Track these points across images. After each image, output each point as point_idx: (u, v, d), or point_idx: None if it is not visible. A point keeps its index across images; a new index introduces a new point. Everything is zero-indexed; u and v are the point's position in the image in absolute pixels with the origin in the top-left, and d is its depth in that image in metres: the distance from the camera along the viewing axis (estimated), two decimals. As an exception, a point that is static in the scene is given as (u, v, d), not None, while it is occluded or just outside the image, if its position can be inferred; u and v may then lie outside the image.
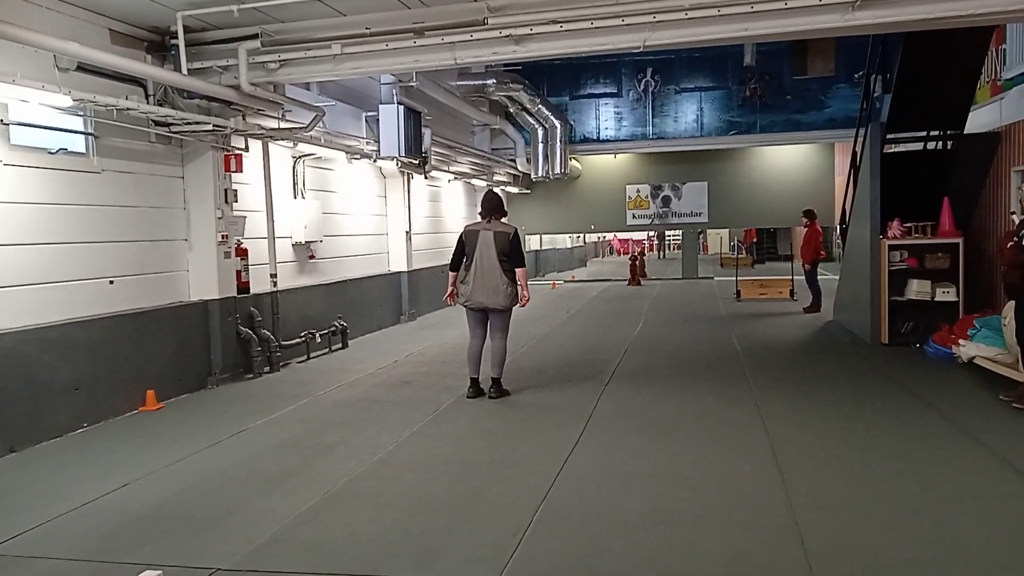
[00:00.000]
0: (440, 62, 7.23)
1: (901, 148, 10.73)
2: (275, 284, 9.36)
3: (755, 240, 35.00)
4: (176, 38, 7.07)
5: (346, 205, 11.94)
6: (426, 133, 11.92)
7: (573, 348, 10.42)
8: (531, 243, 25.60)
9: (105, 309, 6.99)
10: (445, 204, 16.88)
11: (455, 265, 7.42)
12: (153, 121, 7.53)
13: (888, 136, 10.25)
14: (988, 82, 10.18)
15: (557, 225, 22.72)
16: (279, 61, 7.41)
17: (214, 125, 7.74)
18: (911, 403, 6.82)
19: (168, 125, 7.63)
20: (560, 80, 19.11)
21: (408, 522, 4.36)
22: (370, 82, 11.79)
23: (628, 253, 31.54)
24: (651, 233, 43.32)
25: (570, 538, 4.07)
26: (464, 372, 7.64)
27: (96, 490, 4.98)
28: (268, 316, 9.15)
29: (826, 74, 17.66)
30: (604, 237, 47.83)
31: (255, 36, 7.23)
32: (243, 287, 8.71)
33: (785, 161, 20.29)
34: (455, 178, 16.78)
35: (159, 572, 3.76)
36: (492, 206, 7.35)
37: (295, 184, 10.38)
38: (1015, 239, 6.35)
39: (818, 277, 13.96)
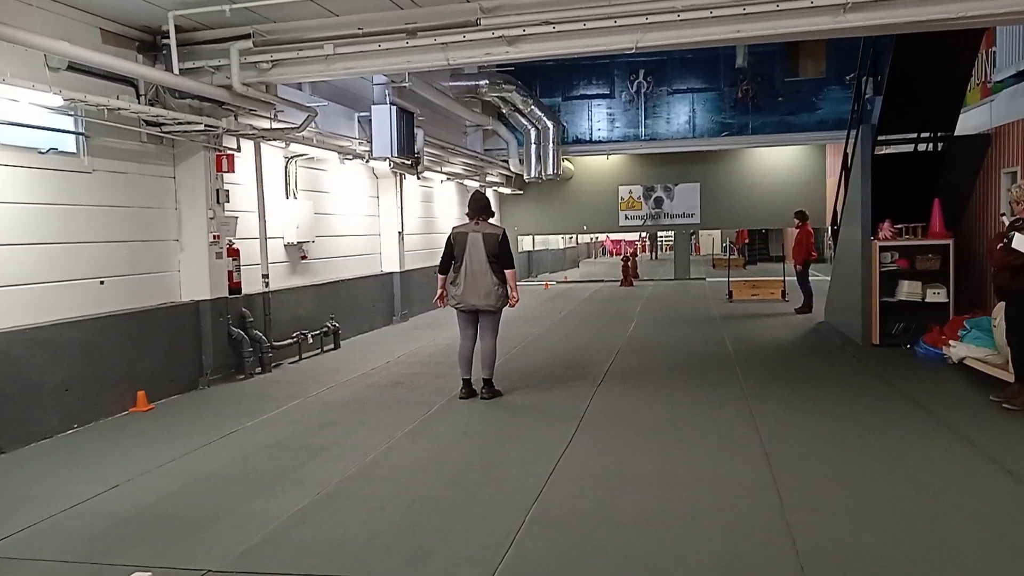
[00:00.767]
0: (433, 63, 7.22)
1: (892, 150, 10.77)
2: (267, 284, 9.33)
3: (747, 241, 35.13)
4: (168, 38, 7.05)
5: (338, 206, 11.93)
6: (419, 134, 11.91)
7: (565, 349, 10.43)
8: (523, 244, 25.59)
9: (96, 309, 6.96)
10: (438, 205, 16.87)
11: (444, 267, 7.41)
12: (144, 121, 7.50)
13: (879, 138, 10.30)
14: (978, 84, 10.23)
15: (550, 226, 22.73)
16: (271, 61, 7.39)
17: (206, 125, 7.71)
18: (902, 404, 6.85)
19: (159, 125, 7.61)
20: (553, 81, 19.13)
21: (400, 523, 4.36)
22: (363, 82, 11.77)
23: (620, 254, 31.58)
24: (643, 234, 43.37)
25: (562, 539, 4.07)
26: (456, 373, 7.64)
27: (87, 491, 4.95)
28: (260, 317, 9.13)
29: (818, 76, 17.74)
30: (596, 238, 47.86)
31: (247, 36, 7.21)
32: (235, 287, 8.68)
33: (777, 162, 20.36)
34: (448, 179, 16.77)
35: (150, 573, 3.75)
36: (479, 207, 7.34)
37: (287, 184, 10.35)
38: (1004, 240, 6.38)
39: (809, 278, 14.01)
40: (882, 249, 9.72)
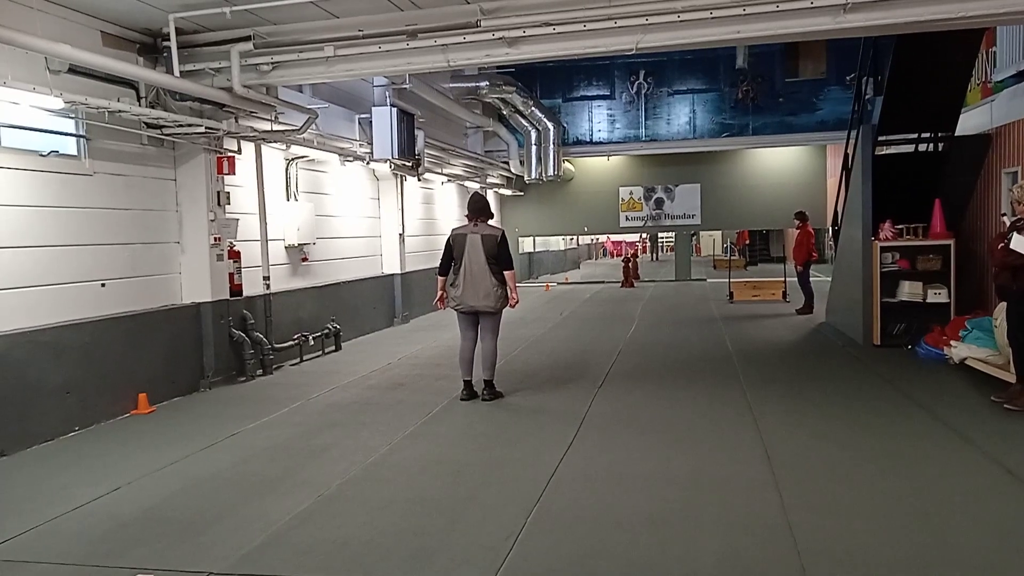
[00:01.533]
0: (433, 64, 7.22)
1: (893, 150, 10.77)
2: (268, 286, 9.33)
3: (748, 242, 35.13)
4: (168, 40, 7.05)
5: (339, 207, 11.93)
6: (419, 135, 11.93)
7: (567, 350, 10.43)
8: (524, 245, 25.60)
9: (97, 312, 6.97)
10: (438, 206, 16.87)
11: (444, 269, 7.41)
12: (145, 123, 7.51)
13: (880, 138, 10.30)
14: (979, 84, 10.24)
15: (550, 227, 22.75)
16: (272, 63, 7.39)
17: (206, 127, 7.72)
18: (903, 404, 6.85)
19: (160, 127, 7.61)
20: (553, 82, 19.16)
21: (401, 524, 4.35)
22: (363, 84, 11.79)
23: (621, 255, 31.61)
24: (644, 235, 43.37)
25: (564, 540, 4.07)
26: (457, 375, 7.64)
27: (88, 494, 4.95)
28: (261, 319, 9.13)
29: (818, 76, 17.77)
30: (597, 239, 47.88)
31: (247, 38, 7.21)
32: (236, 290, 8.68)
33: (777, 163, 20.37)
34: (448, 180, 16.78)
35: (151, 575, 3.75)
36: (478, 208, 7.34)
37: (288, 186, 10.36)
38: (1005, 240, 6.37)
39: (810, 279, 14.01)
40: (883, 250, 9.72)
